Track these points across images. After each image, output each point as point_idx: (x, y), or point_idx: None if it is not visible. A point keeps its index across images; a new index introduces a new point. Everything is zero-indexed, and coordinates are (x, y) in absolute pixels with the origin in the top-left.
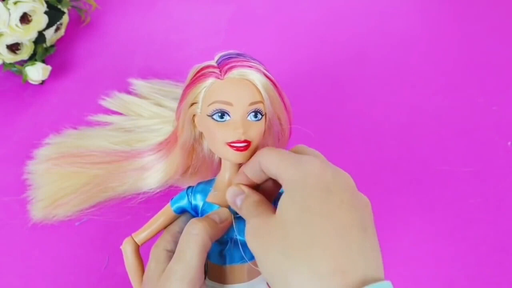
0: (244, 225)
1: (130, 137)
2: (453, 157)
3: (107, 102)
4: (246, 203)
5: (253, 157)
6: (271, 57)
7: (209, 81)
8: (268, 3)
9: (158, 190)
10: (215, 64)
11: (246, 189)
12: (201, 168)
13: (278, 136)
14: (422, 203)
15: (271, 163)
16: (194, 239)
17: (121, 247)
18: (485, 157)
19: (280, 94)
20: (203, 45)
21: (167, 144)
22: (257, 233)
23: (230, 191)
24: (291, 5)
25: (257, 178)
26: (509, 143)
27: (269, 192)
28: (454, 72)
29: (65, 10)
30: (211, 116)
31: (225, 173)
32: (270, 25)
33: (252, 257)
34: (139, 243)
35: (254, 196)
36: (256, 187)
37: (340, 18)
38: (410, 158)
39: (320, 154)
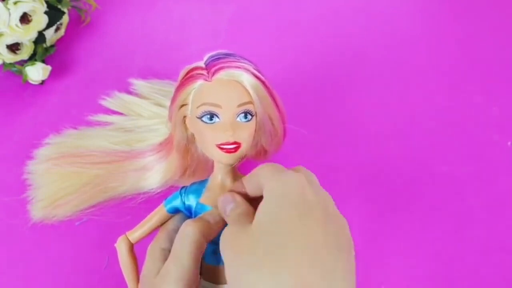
0: None
1: (130, 137)
2: (453, 157)
3: (107, 102)
4: (234, 212)
5: (254, 170)
6: (271, 57)
7: (198, 83)
8: (268, 3)
9: (158, 191)
10: (203, 66)
11: (238, 198)
12: (197, 168)
13: (271, 135)
14: (422, 203)
15: (261, 174)
16: (189, 240)
17: (115, 244)
18: (485, 157)
19: (270, 93)
20: (203, 45)
21: (167, 145)
22: (229, 239)
23: (222, 198)
24: (291, 5)
25: (252, 191)
26: (509, 143)
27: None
28: (454, 72)
29: (65, 10)
30: (200, 118)
31: (217, 174)
32: (270, 25)
33: None
34: (133, 242)
35: (243, 207)
36: (252, 200)
37: (340, 18)
38: (410, 158)
39: (311, 175)
